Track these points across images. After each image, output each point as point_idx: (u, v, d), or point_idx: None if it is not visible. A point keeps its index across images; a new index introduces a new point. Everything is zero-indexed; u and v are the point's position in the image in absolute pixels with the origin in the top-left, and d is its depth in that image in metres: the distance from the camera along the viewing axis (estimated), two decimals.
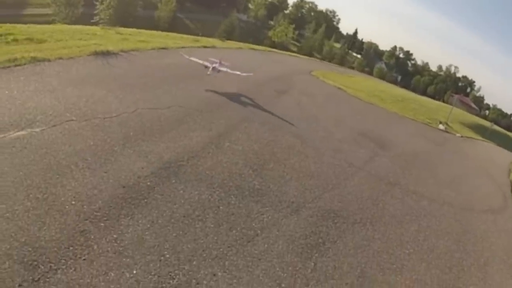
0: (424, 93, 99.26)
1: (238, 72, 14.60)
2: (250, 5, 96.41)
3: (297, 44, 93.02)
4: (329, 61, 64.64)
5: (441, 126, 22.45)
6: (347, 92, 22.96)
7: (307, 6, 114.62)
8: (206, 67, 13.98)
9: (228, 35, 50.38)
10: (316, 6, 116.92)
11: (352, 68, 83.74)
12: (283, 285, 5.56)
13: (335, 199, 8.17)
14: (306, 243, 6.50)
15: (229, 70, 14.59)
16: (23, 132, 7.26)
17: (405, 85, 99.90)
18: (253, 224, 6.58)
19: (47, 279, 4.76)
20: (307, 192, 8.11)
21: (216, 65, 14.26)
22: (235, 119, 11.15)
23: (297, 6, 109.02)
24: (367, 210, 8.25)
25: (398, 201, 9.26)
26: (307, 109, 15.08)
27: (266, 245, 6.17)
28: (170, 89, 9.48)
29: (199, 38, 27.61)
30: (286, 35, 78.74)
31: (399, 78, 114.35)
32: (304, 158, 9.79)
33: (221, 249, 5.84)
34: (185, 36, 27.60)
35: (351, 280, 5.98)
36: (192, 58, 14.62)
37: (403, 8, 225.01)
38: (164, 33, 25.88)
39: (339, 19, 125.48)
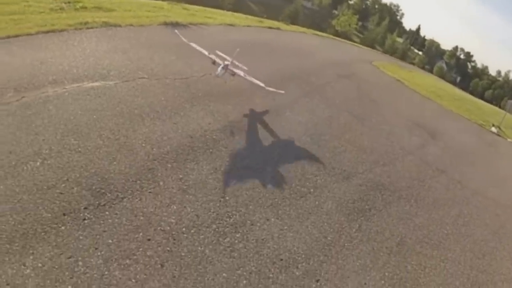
0: (481, 97, 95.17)
1: (260, 84, 8.80)
2: None
3: (360, 35, 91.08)
4: (390, 55, 63.12)
5: (493, 129, 21.88)
6: (405, 84, 22.66)
7: None
8: (215, 62, 8.82)
9: (292, 20, 49.89)
10: None
11: (413, 64, 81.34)
12: (328, 238, 5.92)
13: (384, 174, 8.41)
14: (354, 207, 6.84)
15: (247, 77, 9.06)
16: (97, 84, 7.98)
17: (464, 87, 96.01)
18: (307, 183, 6.98)
19: (113, 205, 5.28)
20: (359, 164, 8.41)
21: (228, 64, 8.67)
22: (297, 94, 11.49)
23: None
24: (413, 189, 8.44)
25: (443, 187, 9.36)
26: (365, 93, 15.14)
27: (317, 202, 6.57)
28: (240, 59, 9.88)
29: (263, 19, 27.71)
30: (349, 25, 77.13)
31: (458, 79, 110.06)
32: (358, 135, 10.03)
33: (276, 200, 6.27)
34: (250, 16, 27.78)
35: (391, 245, 6.26)
36: (193, 44, 9.28)
37: (468, 7, 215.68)
38: (229, 12, 26.08)
39: (402, 14, 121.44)
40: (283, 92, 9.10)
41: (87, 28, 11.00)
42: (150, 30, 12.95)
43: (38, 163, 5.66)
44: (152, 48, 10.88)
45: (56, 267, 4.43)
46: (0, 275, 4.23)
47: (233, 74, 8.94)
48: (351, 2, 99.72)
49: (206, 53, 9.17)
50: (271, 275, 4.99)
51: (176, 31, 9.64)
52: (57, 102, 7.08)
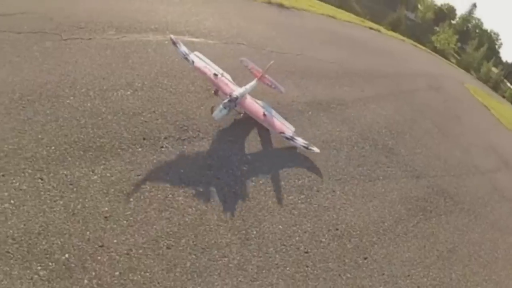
0: None
1: (300, 143, 6.27)
2: (419, 6, 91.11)
3: (457, 57, 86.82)
4: (484, 83, 59.78)
5: None
6: (491, 112, 21.57)
7: (474, 21, 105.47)
8: (217, 92, 6.25)
9: (393, 28, 48.31)
10: (482, 23, 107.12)
11: (503, 97, 76.56)
12: (385, 224, 5.85)
13: (452, 184, 8.10)
14: (416, 204, 6.68)
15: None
16: (197, 40, 8.35)
17: None
18: (378, 171, 6.90)
19: (192, 142, 5.60)
20: (431, 169, 8.15)
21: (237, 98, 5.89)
22: (385, 92, 11.22)
23: (463, 19, 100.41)
24: (476, 206, 8.07)
25: (505, 213, 8.79)
26: (451, 108, 14.54)
27: (383, 190, 6.48)
28: (336, 50, 9.82)
29: (365, 20, 27.11)
30: (448, 44, 73.55)
31: None
32: (436, 143, 9.68)
33: (345, 176, 6.27)
34: (352, 14, 27.27)
35: (442, 249, 6.06)
36: (182, 48, 6.32)
37: None
38: (332, 7, 25.66)
39: (501, 44, 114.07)
40: (318, 151, 6.31)
41: None
42: (253, 5, 13.06)
43: (128, 93, 6.05)
44: (254, 21, 11.06)
45: (124, 180, 4.75)
46: (67, 175, 4.59)
47: (242, 113, 6.15)
48: (453, 22, 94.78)
49: (209, 73, 6.13)
50: (323, 240, 5.03)
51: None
52: (156, 47, 7.46)
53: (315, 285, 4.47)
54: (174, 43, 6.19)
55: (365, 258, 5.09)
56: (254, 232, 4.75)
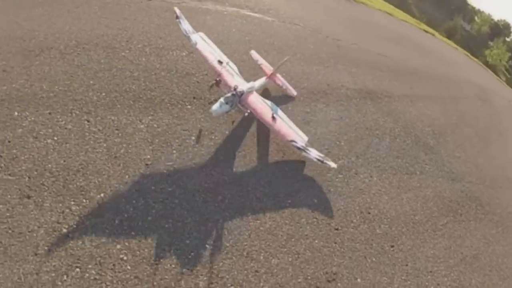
0: None
1: (314, 156, 5.19)
2: (476, 18, 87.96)
3: (507, 74, 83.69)
4: None
5: None
6: None
7: None
8: (218, 83, 5.11)
9: (448, 35, 46.79)
10: None
11: None
12: (416, 217, 5.68)
13: (485, 194, 7.80)
14: (448, 205, 6.46)
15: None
16: (255, 15, 8.31)
17: None
18: (416, 166, 6.71)
19: None
20: (467, 174, 7.86)
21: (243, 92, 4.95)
22: (433, 93, 10.84)
23: None
24: (506, 219, 7.75)
25: None
26: (495, 123, 14.01)
27: (418, 185, 6.29)
28: (390, 45, 9.62)
29: (421, 22, 26.38)
30: (500, 60, 70.95)
31: None
32: (476, 151, 9.33)
33: (384, 164, 6.12)
34: (408, 16, 26.61)
35: (466, 254, 5.81)
36: (185, 24, 5.36)
37: None
38: (391, 6, 25.03)
39: None
40: (335, 166, 5.26)
41: None
42: None
43: (183, 54, 6.18)
44: (312, 5, 10.91)
45: (170, 133, 4.83)
46: (114, 120, 4.68)
47: (246, 112, 5.00)
48: (507, 39, 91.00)
49: (212, 58, 5.19)
50: (354, 220, 4.95)
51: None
52: (214, 16, 7.59)
53: (340, 262, 4.40)
54: (177, 17, 5.24)
55: (392, 246, 4.98)
56: (289, 201, 4.70)
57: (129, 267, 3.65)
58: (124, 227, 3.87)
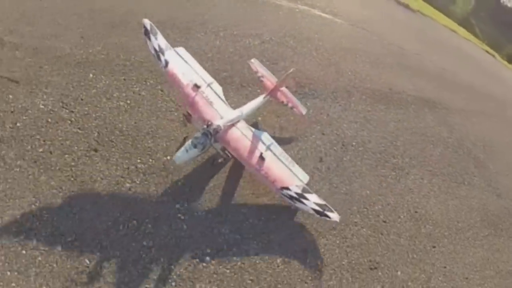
0: None
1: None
2: None
3: None
4: None
5: None
6: None
7: None
8: (188, 118, 3.99)
9: (508, 60, 44.34)
10: None
11: None
12: (459, 224, 5.45)
13: None
14: (491, 218, 6.09)
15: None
16: (325, 15, 8.57)
17: None
18: (464, 176, 6.40)
19: (306, 97, 5.95)
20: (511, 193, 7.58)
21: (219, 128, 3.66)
22: (489, 111, 10.35)
23: None
24: None
25: None
26: None
27: (464, 194, 6.01)
28: (452, 59, 9.31)
29: (483, 43, 25.08)
30: None
31: None
32: None
33: (435, 170, 5.98)
34: (471, 35, 25.38)
35: (502, 268, 5.45)
36: (157, 40, 4.01)
37: None
38: (455, 24, 23.82)
39: None
40: (337, 219, 3.95)
41: None
42: (382, 3, 12.42)
43: (256, 42, 6.42)
44: (379, 13, 10.74)
45: None
46: None
47: (224, 156, 3.97)
48: None
49: (185, 82, 3.99)
50: (401, 216, 4.86)
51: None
52: (287, 12, 7.70)
53: (384, 253, 4.33)
54: (147, 33, 3.94)
55: (433, 247, 4.82)
56: (344, 189, 4.67)
57: (185, 227, 3.74)
58: (185, 189, 3.97)
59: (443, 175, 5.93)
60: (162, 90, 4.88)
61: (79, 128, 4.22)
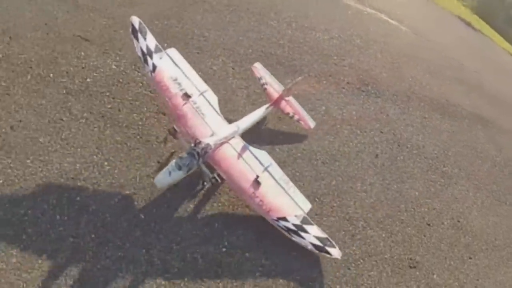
0: None
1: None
2: None
3: None
4: None
5: None
6: None
7: None
8: (175, 134, 3.23)
9: None
10: None
11: None
12: (496, 242, 5.26)
13: None
14: None
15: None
16: (392, 21, 8.35)
17: None
18: (507, 196, 6.00)
19: (368, 95, 5.81)
20: None
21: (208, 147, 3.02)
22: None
23: None
24: None
25: None
26: None
27: (506, 213, 5.70)
28: (509, 82, 9.00)
29: None
30: None
31: None
32: None
33: (481, 185, 5.66)
34: None
35: None
36: (146, 41, 3.45)
37: None
38: None
39: None
40: (339, 256, 3.43)
41: None
42: (445, 14, 12.00)
43: (325, 37, 6.42)
44: (444, 28, 10.37)
45: (305, 98, 5.04)
46: None
47: (213, 181, 3.14)
48: None
49: (173, 91, 3.40)
50: (445, 223, 4.75)
51: None
52: (355, 12, 7.62)
53: (424, 254, 4.25)
54: (135, 31, 3.38)
55: (470, 258, 4.69)
56: (395, 187, 4.60)
57: None
58: None
59: (487, 191, 5.70)
60: (233, 68, 4.92)
61: (150, 91, 4.29)
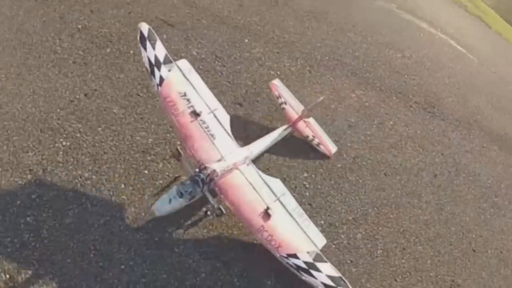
0: None
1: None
2: None
3: None
4: None
5: None
6: None
7: None
8: (179, 157, 2.74)
9: None
10: None
11: None
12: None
13: None
14: None
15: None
16: (461, 49, 8.10)
17: None
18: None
19: (434, 116, 5.73)
20: None
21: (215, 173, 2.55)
22: None
23: None
24: None
25: None
26: None
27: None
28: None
29: None
30: None
31: None
32: None
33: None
34: None
35: None
36: (155, 50, 2.90)
37: None
38: None
39: None
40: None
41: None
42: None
43: (399, 55, 6.43)
44: (509, 62, 9.76)
45: (374, 110, 5.24)
46: (331, 80, 5.20)
47: (217, 212, 2.68)
48: None
49: (180, 107, 2.86)
50: (488, 251, 4.72)
51: None
52: (427, 36, 7.60)
53: (466, 278, 4.27)
54: (144, 40, 2.91)
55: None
56: (448, 208, 4.63)
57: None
58: None
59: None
60: (310, 72, 5.00)
61: (228, 82, 4.43)
